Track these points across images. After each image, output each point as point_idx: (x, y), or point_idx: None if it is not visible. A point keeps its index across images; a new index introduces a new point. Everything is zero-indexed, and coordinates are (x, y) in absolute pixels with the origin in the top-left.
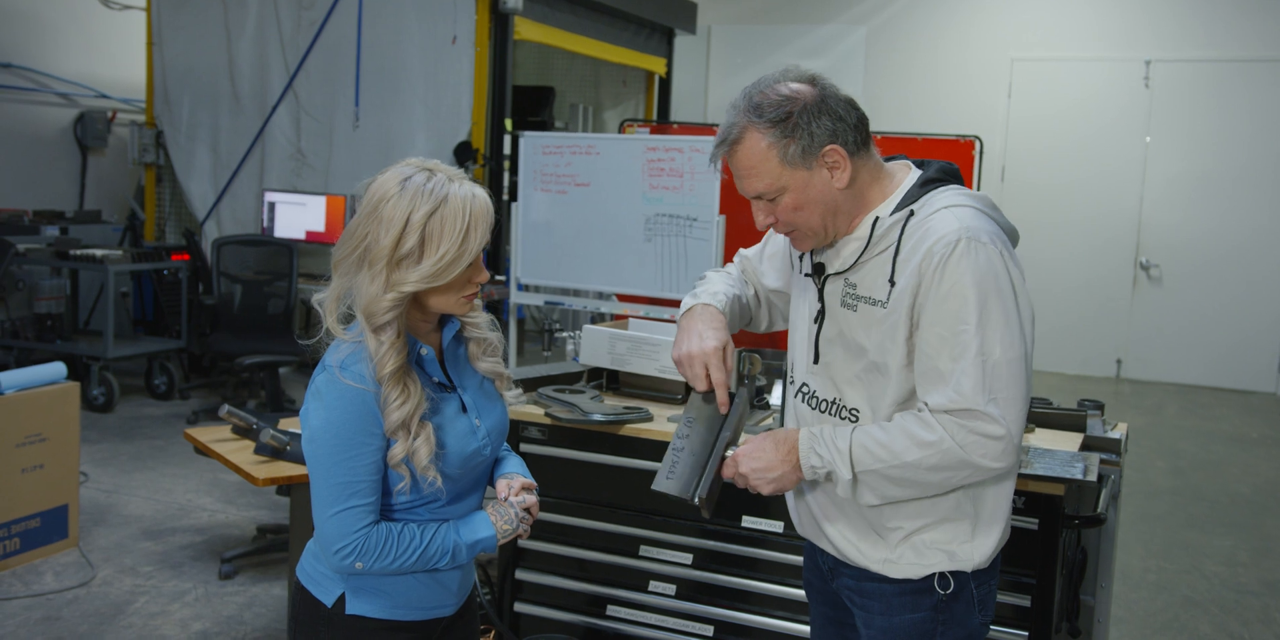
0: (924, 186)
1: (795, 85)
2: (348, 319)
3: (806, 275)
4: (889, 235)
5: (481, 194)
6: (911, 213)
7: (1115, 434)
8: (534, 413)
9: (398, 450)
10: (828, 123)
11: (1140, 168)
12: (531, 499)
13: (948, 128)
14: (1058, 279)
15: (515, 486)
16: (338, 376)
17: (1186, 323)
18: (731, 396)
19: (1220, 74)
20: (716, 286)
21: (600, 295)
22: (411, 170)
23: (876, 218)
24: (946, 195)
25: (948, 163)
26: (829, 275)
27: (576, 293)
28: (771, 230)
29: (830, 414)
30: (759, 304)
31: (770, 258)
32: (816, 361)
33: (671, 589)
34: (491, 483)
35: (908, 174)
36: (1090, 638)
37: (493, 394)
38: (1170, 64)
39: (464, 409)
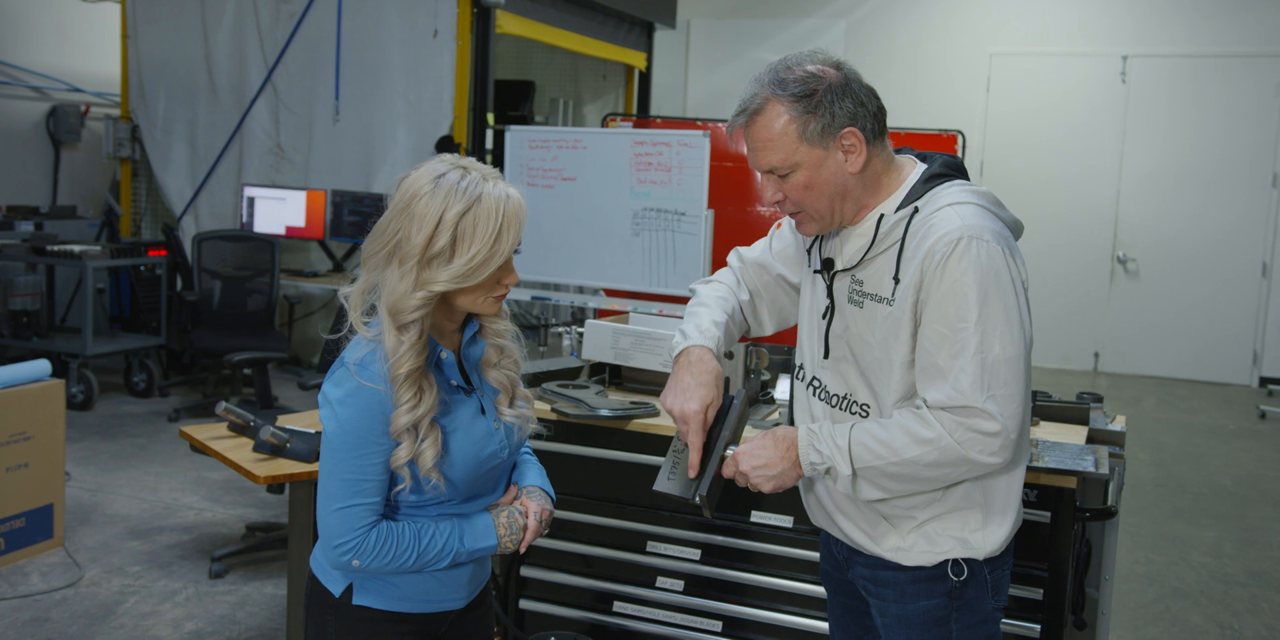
0: (928, 182)
1: (822, 66)
2: (369, 313)
3: (816, 271)
4: (894, 232)
5: (515, 194)
6: (916, 209)
7: (1116, 426)
8: (540, 408)
9: (401, 453)
10: (849, 105)
11: (1117, 162)
12: (543, 507)
13: (927, 122)
14: (1036, 273)
15: (530, 508)
16: (353, 374)
17: (1163, 316)
18: (731, 400)
19: (1196, 69)
20: (704, 320)
21: (579, 289)
22: (445, 167)
23: (881, 215)
24: (951, 192)
25: (952, 156)
26: (837, 271)
27: (558, 287)
28: (773, 229)
29: (842, 409)
30: (754, 309)
31: (780, 254)
32: (827, 356)
33: (679, 584)
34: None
35: (913, 168)
36: (1094, 629)
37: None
38: (1147, 59)
39: (483, 411)
